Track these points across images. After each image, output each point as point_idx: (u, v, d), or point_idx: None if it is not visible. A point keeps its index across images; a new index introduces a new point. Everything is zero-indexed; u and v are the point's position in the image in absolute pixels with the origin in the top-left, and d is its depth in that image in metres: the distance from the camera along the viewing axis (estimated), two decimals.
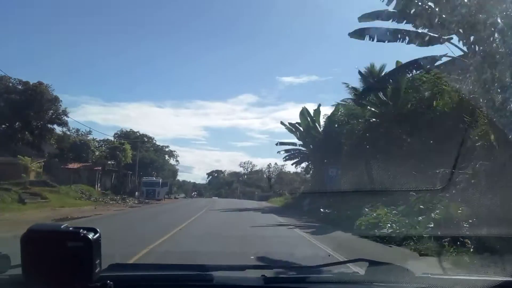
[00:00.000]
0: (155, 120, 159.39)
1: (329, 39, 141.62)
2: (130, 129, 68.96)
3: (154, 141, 73.11)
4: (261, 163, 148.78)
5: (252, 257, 8.83)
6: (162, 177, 67.14)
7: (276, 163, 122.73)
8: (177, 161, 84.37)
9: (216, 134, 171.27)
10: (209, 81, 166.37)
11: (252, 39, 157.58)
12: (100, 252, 1.21)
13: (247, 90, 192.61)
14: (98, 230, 1.23)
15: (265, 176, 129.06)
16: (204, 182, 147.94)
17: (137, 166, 55.97)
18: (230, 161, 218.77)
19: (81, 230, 1.19)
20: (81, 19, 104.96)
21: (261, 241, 14.05)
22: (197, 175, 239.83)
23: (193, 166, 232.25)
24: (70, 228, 1.20)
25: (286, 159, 47.75)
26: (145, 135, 71.20)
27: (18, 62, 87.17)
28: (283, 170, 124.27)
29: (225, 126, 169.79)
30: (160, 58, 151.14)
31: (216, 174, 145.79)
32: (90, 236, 1.16)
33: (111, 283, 1.28)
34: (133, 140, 65.15)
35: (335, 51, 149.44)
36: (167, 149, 76.79)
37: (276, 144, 46.42)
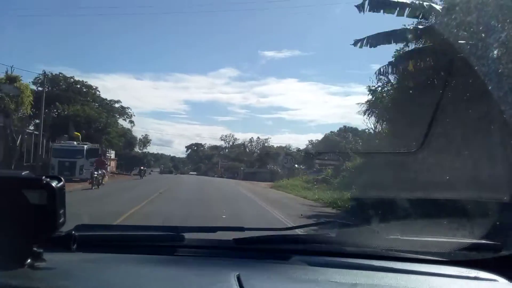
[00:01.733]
0: (134, 92, 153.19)
1: (312, 13, 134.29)
2: (60, 73, 45.59)
3: (97, 92, 49.75)
4: (242, 137, 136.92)
5: (224, 216, 9.12)
6: (109, 145, 44.18)
7: (258, 137, 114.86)
8: (131, 122, 59.13)
9: (196, 108, 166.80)
10: (189, 54, 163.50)
11: (234, 11, 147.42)
12: (64, 202, 1.09)
13: (228, 64, 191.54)
14: (62, 178, 1.10)
15: (247, 150, 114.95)
16: (183, 156, 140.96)
17: (41, 123, 32.35)
18: (210, 135, 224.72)
19: (44, 177, 1.06)
20: None
21: None
22: (177, 149, 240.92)
23: (173, 140, 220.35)
24: (33, 175, 1.10)
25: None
26: (84, 84, 47.68)
27: None
28: (266, 144, 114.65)
29: (205, 100, 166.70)
30: (139, 28, 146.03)
31: (195, 148, 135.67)
32: (54, 184, 1.05)
33: (77, 234, 1.18)
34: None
35: (317, 26, 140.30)
36: (117, 105, 54.13)
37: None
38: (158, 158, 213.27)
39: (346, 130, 71.48)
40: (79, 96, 45.29)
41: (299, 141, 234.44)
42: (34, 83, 43.21)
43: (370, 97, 19.89)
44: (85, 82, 47.58)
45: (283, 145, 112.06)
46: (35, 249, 1.12)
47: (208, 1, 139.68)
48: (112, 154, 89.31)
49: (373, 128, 28.59)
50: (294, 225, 2.77)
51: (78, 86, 47.01)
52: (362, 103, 29.10)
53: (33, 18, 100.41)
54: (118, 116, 50.99)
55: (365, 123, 20.72)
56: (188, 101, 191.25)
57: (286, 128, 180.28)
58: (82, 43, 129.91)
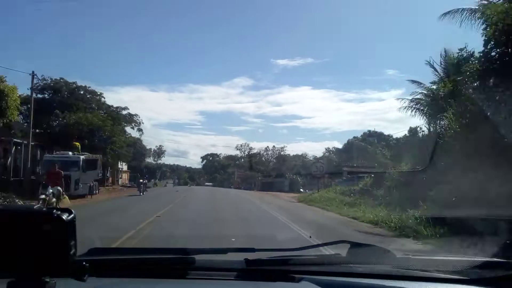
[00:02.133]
0: (149, 104, 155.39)
1: (324, 21, 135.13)
2: (61, 78, 41.32)
3: (102, 98, 44.52)
4: (257, 147, 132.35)
5: (233, 240, 8.74)
6: (115, 156, 40.03)
7: (274, 146, 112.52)
8: (139, 130, 52.67)
9: (211, 119, 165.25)
10: (203, 64, 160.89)
11: (246, 21, 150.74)
12: (75, 234, 1.09)
13: (242, 73, 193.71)
14: (72, 211, 1.11)
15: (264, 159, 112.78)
16: (199, 167, 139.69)
17: (30, 130, 27.93)
18: (225, 146, 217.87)
19: (54, 210, 1.07)
20: (72, 2, 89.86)
21: None
22: (193, 160, 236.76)
23: (189, 151, 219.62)
24: (44, 209, 1.12)
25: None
26: (88, 89, 43.45)
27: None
28: (282, 153, 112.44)
29: (220, 110, 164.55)
30: (153, 41, 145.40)
31: (211, 158, 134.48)
32: (64, 217, 1.06)
33: (87, 264, 1.16)
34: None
35: (329, 33, 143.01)
36: (124, 113, 48.05)
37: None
38: (174, 170, 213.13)
39: (370, 135, 66.48)
40: (82, 103, 41.17)
41: (314, 149, 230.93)
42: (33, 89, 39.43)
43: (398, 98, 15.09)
44: (89, 87, 43.46)
45: (299, 154, 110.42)
46: (47, 280, 1.09)
47: (219, 11, 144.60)
48: (124, 166, 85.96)
49: (427, 128, 23.78)
50: (305, 246, 2.45)
51: (82, 92, 42.89)
52: (405, 99, 24.70)
53: (44, 28, 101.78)
54: (125, 124, 46.48)
55: (394, 127, 16.00)
56: (202, 111, 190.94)
57: (301, 136, 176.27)
58: (96, 56, 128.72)
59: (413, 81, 23.64)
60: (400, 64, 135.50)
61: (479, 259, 1.99)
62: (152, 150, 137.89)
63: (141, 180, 38.23)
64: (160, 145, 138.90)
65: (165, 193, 39.23)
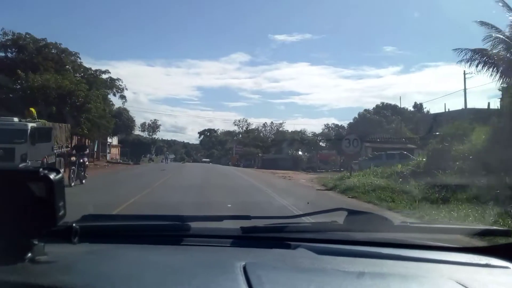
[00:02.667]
0: (146, 79, 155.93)
1: None
2: (27, 33, 33.71)
3: (78, 59, 36.82)
4: (255, 123, 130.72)
5: (229, 206, 8.61)
6: (91, 126, 33.37)
7: (272, 122, 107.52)
8: (122, 97, 44.28)
9: (208, 94, 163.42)
10: (201, 39, 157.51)
11: None
12: (63, 194, 1.05)
13: (240, 49, 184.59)
14: (60, 170, 1.08)
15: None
16: (197, 142, 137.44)
17: None
18: (223, 121, 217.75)
19: (41, 169, 1.04)
20: None
21: None
22: (191, 135, 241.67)
23: (186, 126, 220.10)
24: (30, 168, 1.10)
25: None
26: (59, 47, 35.94)
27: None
28: (280, 129, 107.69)
29: (217, 86, 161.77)
30: (149, 14, 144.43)
31: (208, 134, 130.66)
32: (52, 176, 1.02)
33: (77, 226, 1.14)
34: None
35: (328, 9, 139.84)
36: (105, 76, 39.93)
37: None
38: (171, 145, 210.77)
39: (384, 108, 59.65)
40: (52, 63, 34.04)
41: (312, 125, 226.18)
42: None
43: None
44: (60, 44, 35.92)
45: (298, 130, 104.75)
46: (35, 242, 1.08)
47: None
48: (114, 139, 79.17)
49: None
50: (301, 213, 2.65)
51: (54, 51, 35.63)
52: (467, 50, 17.95)
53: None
54: (105, 91, 39.17)
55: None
56: (200, 87, 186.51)
57: (299, 113, 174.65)
58: (93, 30, 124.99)
59: (482, 23, 16.63)
60: (398, 40, 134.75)
61: (479, 227, 2.02)
62: (147, 124, 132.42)
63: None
64: (155, 119, 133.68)
65: (151, 171, 31.72)
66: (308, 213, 2.60)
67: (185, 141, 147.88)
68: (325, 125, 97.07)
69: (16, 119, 19.86)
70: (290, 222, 2.11)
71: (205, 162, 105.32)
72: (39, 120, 21.52)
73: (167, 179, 22.12)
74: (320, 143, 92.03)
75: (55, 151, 21.26)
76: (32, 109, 22.58)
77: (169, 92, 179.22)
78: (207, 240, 1.87)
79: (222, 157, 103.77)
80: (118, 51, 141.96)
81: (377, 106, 61.41)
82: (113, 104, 41.10)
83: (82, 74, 36.78)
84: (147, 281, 1.12)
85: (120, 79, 42.30)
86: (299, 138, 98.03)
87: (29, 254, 1.06)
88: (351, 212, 2.01)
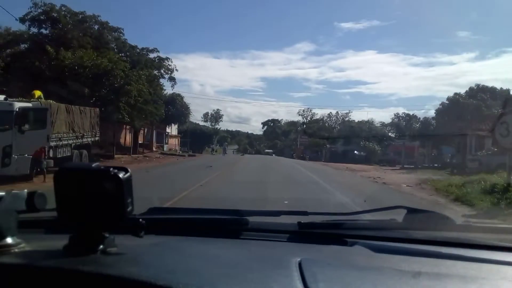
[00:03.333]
0: (212, 71, 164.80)
1: None
2: (63, 5, 28.37)
3: (121, 35, 31.30)
4: (319, 113, 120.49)
5: (286, 202, 8.34)
6: (131, 113, 28.06)
7: (337, 112, 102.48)
8: (171, 79, 37.83)
9: (272, 85, 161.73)
10: (265, 30, 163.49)
11: None
12: (131, 192, 1.12)
13: (304, 38, 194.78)
14: (129, 169, 1.14)
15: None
16: (260, 133, 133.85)
17: None
18: (287, 112, 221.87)
19: (111, 168, 1.11)
20: None
21: None
22: (254, 126, 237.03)
23: (250, 117, 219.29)
24: (102, 167, 1.13)
25: None
26: (99, 21, 30.65)
27: None
28: (347, 119, 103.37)
29: (281, 76, 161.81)
30: (215, 8, 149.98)
31: (272, 124, 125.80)
32: (121, 175, 1.09)
33: (143, 221, 1.24)
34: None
35: None
36: (153, 56, 34.24)
37: None
38: (235, 135, 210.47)
39: (480, 90, 49.58)
40: (91, 39, 28.85)
41: (379, 116, 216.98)
42: (22, 20, 27.62)
43: None
44: (98, 16, 30.64)
45: (365, 120, 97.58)
46: (107, 235, 1.15)
47: None
48: (173, 129, 74.97)
49: None
50: (359, 210, 2.44)
51: (94, 26, 30.47)
52: None
53: None
54: (156, 72, 33.23)
55: None
56: (264, 78, 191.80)
57: (365, 102, 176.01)
58: (160, 23, 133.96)
59: None
60: (473, 25, 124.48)
61: None
62: (209, 114, 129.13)
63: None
64: (217, 109, 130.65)
65: (187, 170, 23.26)
66: (366, 210, 2.49)
67: (249, 132, 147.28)
68: (395, 115, 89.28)
69: (1, 97, 14.23)
70: (348, 219, 2.08)
71: (267, 153, 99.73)
72: (36, 99, 15.72)
73: (214, 177, 15.47)
74: (390, 134, 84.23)
75: (53, 142, 15.09)
76: (38, 92, 16.91)
77: (234, 83, 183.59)
78: (264, 234, 1.85)
79: (286, 148, 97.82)
80: (186, 44, 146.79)
81: (471, 89, 51.35)
82: (163, 89, 34.91)
83: (127, 54, 31.33)
84: (207, 273, 1.15)
85: (169, 59, 36.47)
86: (367, 129, 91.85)
87: (101, 246, 1.12)
88: (411, 210, 1.94)
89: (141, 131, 51.84)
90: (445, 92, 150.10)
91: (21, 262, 1.08)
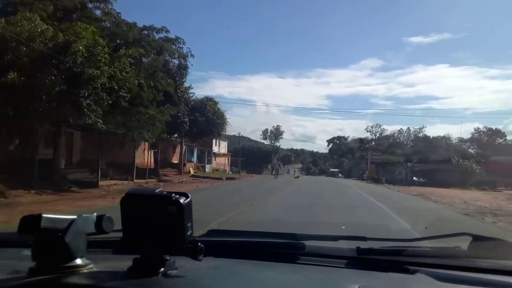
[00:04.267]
0: (277, 91, 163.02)
1: None
2: None
3: (112, 9, 19.99)
4: (389, 129, 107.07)
5: (344, 227, 8.27)
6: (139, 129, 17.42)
7: (408, 128, 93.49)
8: (183, 69, 26.14)
9: (338, 102, 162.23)
10: (329, 47, 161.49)
11: None
12: (191, 216, 1.15)
13: (370, 54, 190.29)
14: (189, 195, 1.17)
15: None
16: (325, 151, 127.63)
17: None
18: (353, 130, 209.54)
19: (173, 194, 1.14)
20: None
21: None
22: (320, 145, 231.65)
23: (316, 135, 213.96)
24: (164, 193, 1.16)
25: None
26: None
27: None
28: (420, 135, 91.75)
29: (347, 94, 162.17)
30: (279, 28, 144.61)
31: (337, 141, 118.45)
32: (182, 200, 1.12)
33: (202, 245, 1.21)
34: None
35: (468, 4, 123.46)
36: (159, 36, 22.97)
37: None
38: (299, 154, 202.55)
39: None
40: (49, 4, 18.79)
41: (452, 132, 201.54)
42: None
43: None
44: None
45: (441, 135, 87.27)
46: (167, 258, 1.18)
47: None
48: (223, 146, 64.59)
49: None
50: (421, 237, 2.40)
51: None
52: None
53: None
54: (139, 49, 20.92)
55: None
56: (329, 96, 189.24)
57: (436, 118, 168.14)
58: (228, 47, 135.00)
59: None
60: None
61: None
62: (269, 131, 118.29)
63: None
64: (277, 125, 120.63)
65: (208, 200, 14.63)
66: (428, 237, 2.38)
67: (315, 150, 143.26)
68: (475, 129, 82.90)
69: None
70: (409, 246, 1.94)
71: (333, 173, 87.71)
72: None
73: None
74: (470, 150, 76.55)
75: None
76: None
77: (299, 102, 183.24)
78: (321, 259, 1.78)
79: (354, 167, 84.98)
80: (252, 66, 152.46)
81: None
82: (172, 84, 23.28)
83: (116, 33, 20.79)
84: None
85: (181, 39, 25.39)
86: (444, 145, 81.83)
87: (162, 269, 1.15)
88: (476, 238, 1.82)
89: (174, 148, 42.15)
90: None
91: (89, 283, 1.12)
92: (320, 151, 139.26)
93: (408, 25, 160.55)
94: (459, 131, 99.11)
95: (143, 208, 1.12)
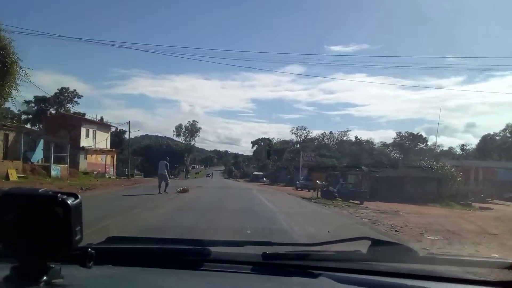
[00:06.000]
0: (202, 92, 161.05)
1: (381, 3, 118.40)
2: None
3: None
4: (314, 133, 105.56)
5: (249, 232, 7.66)
6: None
7: (331, 132, 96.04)
8: None
9: (263, 106, 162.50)
10: (256, 52, 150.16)
11: (300, 7, 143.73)
12: (81, 219, 1.03)
13: (295, 61, 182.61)
14: (78, 195, 1.04)
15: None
16: (250, 154, 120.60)
17: None
18: (277, 133, 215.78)
19: (59, 194, 1.01)
20: None
21: None
22: (245, 147, 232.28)
23: (241, 138, 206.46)
24: (50, 192, 1.02)
25: None
26: None
27: None
28: (345, 138, 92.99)
29: (272, 98, 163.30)
30: (204, 29, 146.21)
31: (262, 143, 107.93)
32: (70, 201, 1.00)
33: (93, 251, 1.11)
34: None
35: (386, 18, 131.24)
36: None
37: None
38: (222, 156, 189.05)
39: None
40: None
41: (368, 137, 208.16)
42: None
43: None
44: None
45: (364, 139, 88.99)
46: (52, 266, 1.04)
47: None
48: (101, 139, 44.89)
49: None
50: (323, 241, 2.14)
51: None
52: None
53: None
54: None
55: None
56: (255, 99, 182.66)
57: (355, 124, 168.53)
58: (152, 45, 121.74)
59: None
60: (461, 49, 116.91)
61: (509, 260, 1.71)
62: (183, 127, 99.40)
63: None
64: (193, 120, 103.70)
65: None
66: (331, 241, 2.32)
67: (240, 152, 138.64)
68: (397, 134, 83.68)
69: None
70: (313, 250, 1.96)
71: (258, 177, 72.29)
72: None
73: None
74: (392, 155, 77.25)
75: None
76: None
77: (225, 104, 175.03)
78: (227, 266, 1.73)
79: (281, 171, 69.82)
80: (177, 66, 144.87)
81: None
82: None
83: None
84: None
85: None
86: (369, 148, 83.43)
87: (45, 277, 1.01)
88: (375, 242, 1.83)
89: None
90: (434, 114, 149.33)
91: None
92: (244, 154, 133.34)
93: (329, 35, 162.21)
94: (376, 137, 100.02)
95: (24, 210, 0.95)
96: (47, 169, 27.60)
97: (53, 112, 48.86)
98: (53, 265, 1.02)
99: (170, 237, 2.13)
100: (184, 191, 19.02)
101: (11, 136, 26.03)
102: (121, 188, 25.27)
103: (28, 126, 40.48)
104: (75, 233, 0.98)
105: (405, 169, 33.71)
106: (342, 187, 25.00)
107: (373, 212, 15.85)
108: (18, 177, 23.99)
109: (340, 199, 22.58)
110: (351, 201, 23.01)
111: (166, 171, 18.59)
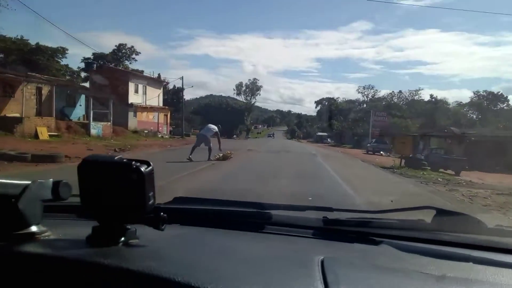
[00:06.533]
0: (265, 52, 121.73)
1: None
2: None
3: None
4: (381, 92, 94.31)
5: (310, 199, 7.47)
6: None
7: (400, 91, 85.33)
8: None
9: (327, 66, 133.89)
10: (319, 8, 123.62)
11: None
12: (153, 185, 1.07)
13: (361, 17, 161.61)
14: (151, 163, 1.08)
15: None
16: (314, 114, 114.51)
17: None
18: (342, 93, 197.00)
19: (134, 162, 1.05)
20: None
21: None
22: (308, 107, 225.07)
23: (304, 98, 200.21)
24: (124, 160, 1.07)
25: None
26: None
27: None
28: (416, 97, 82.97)
29: (336, 57, 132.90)
30: None
31: (326, 103, 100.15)
32: (143, 168, 1.04)
33: (165, 215, 1.16)
34: None
35: None
36: None
37: None
38: (285, 116, 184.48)
39: None
40: None
41: (441, 97, 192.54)
42: None
43: None
44: None
45: (437, 99, 78.47)
46: (128, 227, 1.11)
47: None
48: (152, 96, 41.70)
49: None
50: (387, 209, 2.06)
51: None
52: None
53: None
54: None
55: None
56: (319, 58, 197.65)
57: (425, 83, 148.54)
58: (217, 4, 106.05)
59: None
60: None
61: None
62: (244, 85, 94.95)
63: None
64: (254, 78, 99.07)
65: None
66: (393, 209, 2.13)
67: (303, 112, 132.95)
68: (474, 93, 76.92)
69: None
70: (374, 218, 1.87)
71: (322, 138, 67.51)
72: None
73: None
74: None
75: None
76: None
77: (288, 64, 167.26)
78: (287, 229, 1.71)
79: (346, 132, 64.10)
80: (239, 25, 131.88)
81: None
82: None
83: None
84: (227, 271, 1.10)
85: None
86: (444, 109, 74.96)
87: (123, 238, 1.08)
88: (440, 212, 1.75)
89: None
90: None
91: (44, 252, 1.04)
92: (308, 114, 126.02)
93: None
94: (449, 96, 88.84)
95: (102, 176, 1.03)
96: (86, 127, 24.76)
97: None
98: (129, 227, 1.07)
99: (233, 200, 2.02)
100: (224, 157, 14.64)
101: (45, 89, 23.20)
102: (162, 149, 21.75)
103: (87, 84, 38.08)
104: (148, 198, 1.02)
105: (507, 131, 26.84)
106: (431, 154, 19.38)
107: (497, 193, 10.53)
108: (50, 135, 21.23)
109: (429, 169, 17.27)
110: (442, 170, 17.67)
111: (210, 136, 14.36)
